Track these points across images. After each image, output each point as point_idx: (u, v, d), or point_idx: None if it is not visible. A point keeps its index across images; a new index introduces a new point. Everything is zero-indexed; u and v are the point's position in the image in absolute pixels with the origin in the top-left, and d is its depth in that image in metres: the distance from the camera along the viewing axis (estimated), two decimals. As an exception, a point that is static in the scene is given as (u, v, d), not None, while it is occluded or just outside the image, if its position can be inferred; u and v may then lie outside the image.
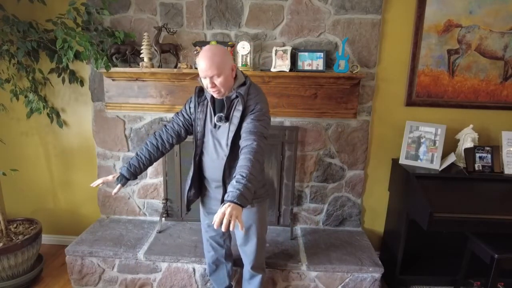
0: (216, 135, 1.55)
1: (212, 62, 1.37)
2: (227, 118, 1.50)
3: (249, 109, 1.46)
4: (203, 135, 1.59)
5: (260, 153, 1.36)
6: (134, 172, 1.61)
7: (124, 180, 1.61)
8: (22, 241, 2.09)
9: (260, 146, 1.37)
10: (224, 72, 1.41)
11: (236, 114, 1.46)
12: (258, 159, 1.35)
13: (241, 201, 1.22)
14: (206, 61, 1.38)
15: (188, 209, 1.71)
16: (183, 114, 1.66)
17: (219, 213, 1.17)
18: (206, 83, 1.43)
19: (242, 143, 1.41)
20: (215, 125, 1.54)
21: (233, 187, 1.26)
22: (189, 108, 1.64)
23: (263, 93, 1.55)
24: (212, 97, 1.52)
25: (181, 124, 1.66)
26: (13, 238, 2.15)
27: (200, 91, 1.60)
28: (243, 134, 1.42)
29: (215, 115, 1.52)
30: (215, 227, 1.16)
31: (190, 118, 1.64)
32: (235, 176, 1.30)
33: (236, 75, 1.49)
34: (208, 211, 1.74)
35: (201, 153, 1.62)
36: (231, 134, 1.47)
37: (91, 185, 1.62)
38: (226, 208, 1.17)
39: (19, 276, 2.14)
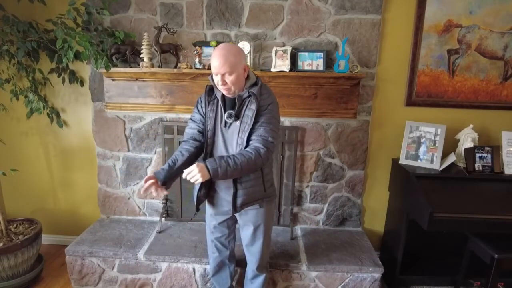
0: (227, 134, 1.55)
1: (226, 60, 1.39)
2: (237, 116, 1.50)
3: (262, 109, 1.48)
4: (214, 134, 1.58)
5: (260, 159, 1.44)
6: (171, 165, 1.51)
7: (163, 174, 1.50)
8: (22, 241, 2.09)
9: (266, 154, 1.45)
10: (236, 71, 1.42)
11: (249, 114, 1.47)
12: (256, 163, 1.43)
13: (213, 173, 1.37)
14: (220, 59, 1.40)
15: (197, 209, 1.69)
16: (196, 118, 1.61)
17: (191, 168, 1.36)
18: (217, 80, 1.45)
19: (252, 143, 1.47)
20: (225, 124, 1.54)
21: (221, 158, 1.40)
22: (201, 108, 1.61)
23: (273, 93, 1.57)
24: (223, 95, 1.52)
25: (199, 129, 1.60)
26: (13, 238, 2.15)
27: (210, 90, 1.59)
28: (253, 136, 1.47)
29: (225, 113, 1.53)
30: (184, 176, 1.37)
31: (205, 118, 1.60)
32: (232, 155, 1.43)
33: (248, 75, 1.51)
34: (216, 212, 1.72)
35: (211, 153, 1.60)
36: (243, 134, 1.48)
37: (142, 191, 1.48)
38: (198, 168, 1.35)
39: (19, 276, 2.14)
